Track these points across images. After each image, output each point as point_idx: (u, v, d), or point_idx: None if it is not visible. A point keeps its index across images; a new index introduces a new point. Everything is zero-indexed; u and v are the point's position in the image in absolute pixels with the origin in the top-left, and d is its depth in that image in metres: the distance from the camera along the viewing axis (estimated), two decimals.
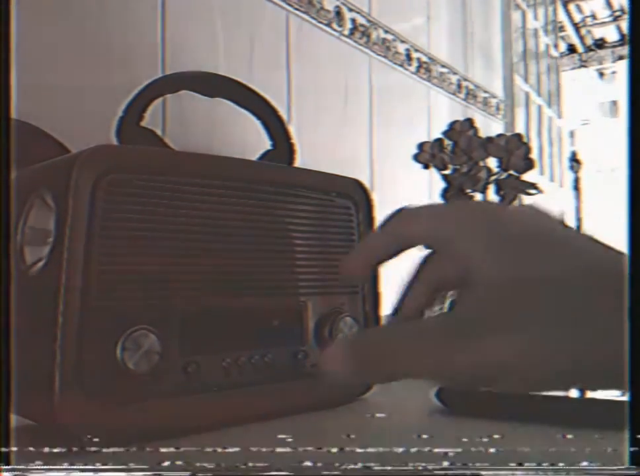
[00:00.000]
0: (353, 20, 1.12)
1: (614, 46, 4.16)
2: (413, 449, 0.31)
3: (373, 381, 0.28)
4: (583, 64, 4.23)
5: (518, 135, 0.74)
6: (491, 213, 0.28)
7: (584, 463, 0.27)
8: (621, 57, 4.11)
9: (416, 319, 0.29)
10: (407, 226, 0.29)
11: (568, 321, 0.24)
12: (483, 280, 0.25)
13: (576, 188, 3.98)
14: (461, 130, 0.74)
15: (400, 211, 0.29)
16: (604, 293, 0.24)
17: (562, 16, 3.58)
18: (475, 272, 0.26)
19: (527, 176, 0.74)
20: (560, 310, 0.24)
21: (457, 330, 0.25)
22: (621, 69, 4.17)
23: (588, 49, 4.22)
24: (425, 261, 0.30)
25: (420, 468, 0.28)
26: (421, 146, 0.75)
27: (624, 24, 3.87)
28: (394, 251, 0.29)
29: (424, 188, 1.24)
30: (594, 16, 3.94)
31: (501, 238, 0.26)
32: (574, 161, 4.06)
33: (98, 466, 0.28)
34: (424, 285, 0.29)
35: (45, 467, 0.28)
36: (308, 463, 0.28)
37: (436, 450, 0.31)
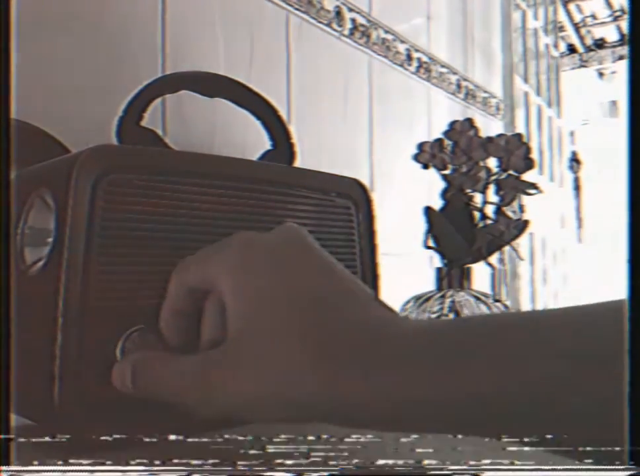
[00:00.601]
0: (353, 20, 1.12)
1: (614, 46, 4.15)
2: (412, 449, 0.31)
3: (151, 400, 0.29)
4: (583, 64, 4.23)
5: (518, 135, 0.74)
6: (244, 248, 0.29)
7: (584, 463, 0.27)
8: (621, 57, 4.10)
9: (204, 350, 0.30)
10: (182, 276, 0.30)
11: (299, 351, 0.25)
12: (233, 318, 0.27)
13: (576, 188, 3.98)
14: (461, 130, 0.74)
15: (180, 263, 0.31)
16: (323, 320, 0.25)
17: (562, 16, 3.58)
18: (227, 310, 0.27)
19: (527, 176, 0.74)
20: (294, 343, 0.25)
21: (212, 364, 0.27)
22: (621, 69, 4.17)
23: (588, 49, 4.21)
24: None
25: (420, 468, 0.28)
26: (421, 146, 0.75)
27: (624, 24, 3.87)
28: (189, 300, 0.30)
29: (424, 188, 1.24)
30: (594, 16, 3.93)
31: (249, 275, 0.28)
32: (574, 161, 4.07)
33: (98, 466, 0.28)
34: (208, 319, 0.30)
35: (45, 467, 0.28)
36: (307, 464, 0.28)
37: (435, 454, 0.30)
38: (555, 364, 0.22)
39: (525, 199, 0.98)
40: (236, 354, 0.26)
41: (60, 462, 0.28)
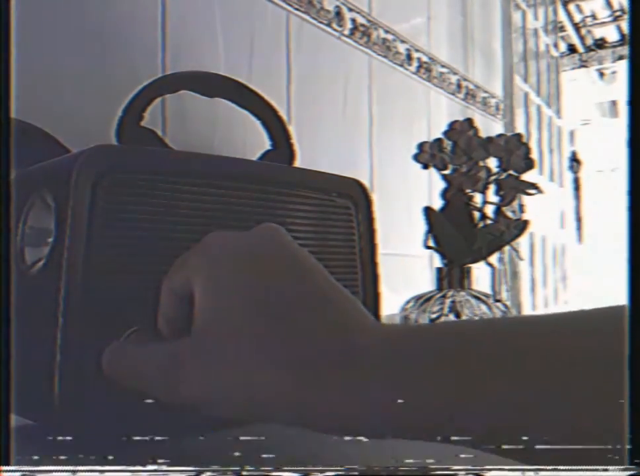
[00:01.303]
0: (353, 20, 1.12)
1: (614, 46, 4.15)
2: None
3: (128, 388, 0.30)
4: (583, 64, 4.23)
5: (518, 135, 0.74)
6: (216, 249, 0.29)
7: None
8: (621, 57, 4.10)
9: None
10: (168, 282, 0.31)
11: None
12: (197, 312, 0.27)
13: (576, 188, 3.99)
14: (461, 130, 0.74)
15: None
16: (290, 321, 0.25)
17: (562, 16, 3.58)
18: (195, 304, 0.28)
19: (527, 176, 0.74)
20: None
21: (174, 355, 0.27)
22: (621, 69, 4.17)
23: (588, 49, 4.21)
24: None
25: (422, 468, 0.28)
26: (421, 146, 0.75)
27: (624, 24, 3.86)
28: (178, 306, 0.30)
29: (424, 188, 1.24)
30: (594, 16, 3.93)
31: (218, 274, 0.28)
32: (574, 161, 4.07)
33: (99, 466, 0.28)
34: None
35: (45, 467, 0.28)
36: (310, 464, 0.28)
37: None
38: (528, 373, 0.22)
39: (525, 199, 0.98)
40: (196, 348, 0.26)
41: (63, 458, 0.28)
